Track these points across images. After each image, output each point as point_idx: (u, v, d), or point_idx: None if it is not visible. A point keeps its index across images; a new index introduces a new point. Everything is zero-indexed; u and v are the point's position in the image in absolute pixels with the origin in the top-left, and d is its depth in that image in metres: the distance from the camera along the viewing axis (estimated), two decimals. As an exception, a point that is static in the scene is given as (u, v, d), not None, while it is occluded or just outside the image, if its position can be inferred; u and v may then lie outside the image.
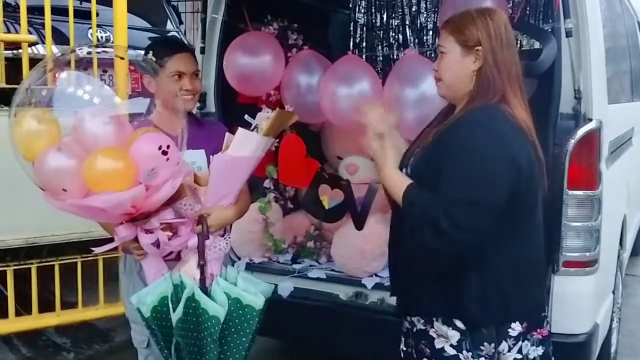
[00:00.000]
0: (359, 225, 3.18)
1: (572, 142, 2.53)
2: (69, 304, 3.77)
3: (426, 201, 1.82)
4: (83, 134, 1.89)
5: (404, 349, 2.13)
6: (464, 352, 1.89)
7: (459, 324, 1.90)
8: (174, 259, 2.18)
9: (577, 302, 2.61)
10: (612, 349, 3.51)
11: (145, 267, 2.17)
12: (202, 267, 2.10)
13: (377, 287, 2.99)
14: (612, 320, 3.31)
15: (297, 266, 3.28)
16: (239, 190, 2.22)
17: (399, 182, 1.93)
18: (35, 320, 3.62)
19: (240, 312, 2.08)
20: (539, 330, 1.96)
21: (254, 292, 2.11)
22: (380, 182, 2.03)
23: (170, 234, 2.07)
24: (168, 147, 1.89)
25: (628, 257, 4.47)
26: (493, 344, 1.88)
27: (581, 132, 2.56)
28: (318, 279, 3.13)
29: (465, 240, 1.79)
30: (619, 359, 3.72)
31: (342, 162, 3.70)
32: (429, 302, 1.94)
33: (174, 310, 2.03)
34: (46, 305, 3.65)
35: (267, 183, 3.62)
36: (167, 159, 1.90)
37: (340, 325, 2.98)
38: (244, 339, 2.09)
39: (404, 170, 2.01)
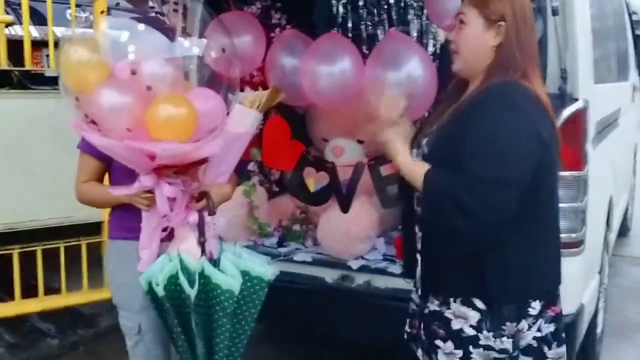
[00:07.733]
0: (345, 208, 3.16)
1: (558, 122, 2.51)
2: (52, 290, 3.74)
3: (449, 182, 1.79)
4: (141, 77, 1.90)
5: (409, 330, 2.12)
6: (484, 332, 1.87)
7: (479, 304, 1.87)
8: (164, 239, 2.17)
9: (563, 283, 2.59)
10: (599, 329, 3.52)
11: (145, 219, 2.15)
12: (202, 244, 2.09)
13: (363, 269, 2.98)
14: (598, 300, 3.32)
15: (282, 250, 3.26)
16: (234, 166, 2.26)
17: (416, 169, 1.90)
18: (18, 306, 3.59)
19: (249, 284, 2.08)
20: (552, 307, 1.95)
21: (260, 263, 2.12)
22: (397, 170, 1.99)
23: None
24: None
25: (615, 238, 4.49)
26: (515, 323, 1.88)
27: (567, 112, 2.54)
28: (304, 262, 3.12)
29: (492, 220, 1.76)
30: (605, 338, 3.74)
31: (327, 144, 3.65)
32: (452, 282, 1.91)
33: (192, 287, 2.01)
34: (29, 291, 3.61)
35: (251, 166, 3.59)
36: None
37: (326, 308, 2.96)
38: (252, 310, 2.10)
39: (414, 151, 1.98)
